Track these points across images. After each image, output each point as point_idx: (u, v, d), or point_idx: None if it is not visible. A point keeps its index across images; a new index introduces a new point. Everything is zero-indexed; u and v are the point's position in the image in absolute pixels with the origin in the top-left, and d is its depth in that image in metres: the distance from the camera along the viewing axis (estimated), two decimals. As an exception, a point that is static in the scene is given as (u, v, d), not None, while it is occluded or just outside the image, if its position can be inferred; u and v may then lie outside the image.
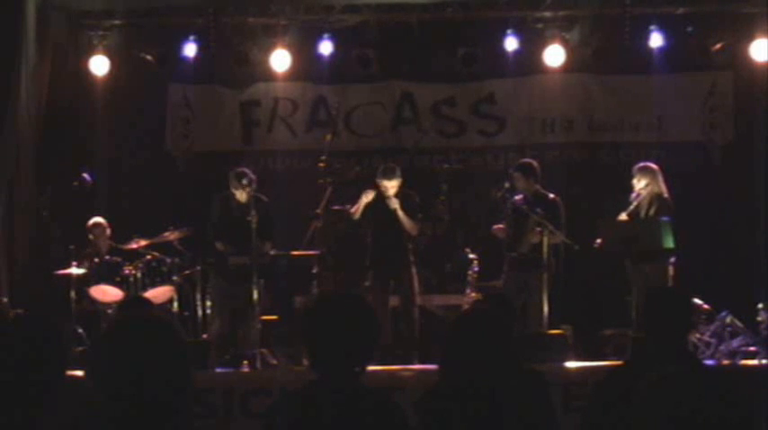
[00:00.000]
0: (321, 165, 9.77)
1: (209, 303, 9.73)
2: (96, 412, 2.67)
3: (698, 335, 8.88)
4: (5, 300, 9.53)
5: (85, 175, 10.09)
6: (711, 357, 8.80)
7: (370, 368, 3.32)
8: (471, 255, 9.94)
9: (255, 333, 9.12)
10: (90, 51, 11.29)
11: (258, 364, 8.78)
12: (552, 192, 9.52)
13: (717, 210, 10.89)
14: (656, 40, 11.03)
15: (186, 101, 11.79)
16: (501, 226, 9.52)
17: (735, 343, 8.87)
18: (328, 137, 10.14)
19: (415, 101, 11.73)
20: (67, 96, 11.23)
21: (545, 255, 9.03)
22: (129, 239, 10.01)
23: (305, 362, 7.56)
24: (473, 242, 10.25)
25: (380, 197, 9.41)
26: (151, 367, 2.63)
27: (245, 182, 9.25)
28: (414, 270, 9.42)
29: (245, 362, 8.81)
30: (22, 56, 10.15)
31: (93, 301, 9.76)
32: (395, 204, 9.33)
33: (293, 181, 11.26)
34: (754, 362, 8.56)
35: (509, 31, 11.18)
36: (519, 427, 3.57)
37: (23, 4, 10.18)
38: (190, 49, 11.32)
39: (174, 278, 9.86)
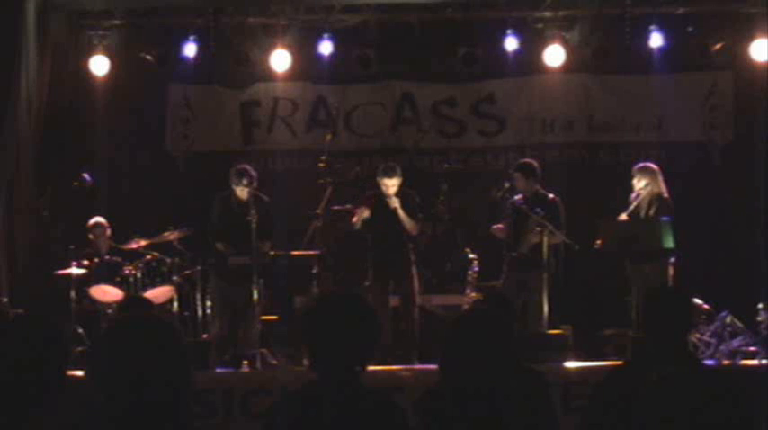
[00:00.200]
0: (321, 165, 9.78)
1: (209, 303, 9.72)
2: (96, 412, 2.67)
3: (698, 335, 8.89)
4: (5, 300, 9.53)
5: (85, 175, 10.08)
6: (711, 357, 8.80)
7: (370, 368, 3.32)
8: (471, 255, 9.94)
9: (255, 333, 9.13)
10: (90, 51, 11.29)
11: (258, 364, 8.79)
12: (552, 193, 9.52)
13: (716, 210, 10.89)
14: (656, 40, 11.03)
15: (186, 101, 11.79)
16: (501, 226, 9.52)
17: (735, 343, 8.88)
18: (328, 137, 10.15)
19: (415, 101, 11.73)
20: (67, 96, 11.23)
21: (545, 255, 9.03)
22: (129, 239, 10.01)
23: (305, 362, 7.56)
24: (473, 242, 10.25)
25: (381, 197, 9.41)
26: (151, 367, 2.63)
27: (245, 181, 9.24)
28: (414, 270, 9.42)
29: (245, 362, 8.81)
30: (22, 56, 10.15)
31: (93, 301, 9.76)
32: (395, 203, 9.32)
33: (293, 181, 11.26)
34: (754, 362, 8.57)
35: (509, 31, 11.18)
36: (519, 427, 3.57)
37: (23, 4, 10.18)
38: (190, 49, 11.32)
39: (174, 278, 9.86)
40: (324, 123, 11.49)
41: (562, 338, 8.92)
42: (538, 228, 9.12)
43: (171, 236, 9.93)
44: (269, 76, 11.56)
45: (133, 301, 7.47)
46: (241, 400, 7.94)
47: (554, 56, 11.15)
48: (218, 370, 8.77)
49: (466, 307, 9.40)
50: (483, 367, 3.48)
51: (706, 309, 9.13)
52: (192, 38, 11.30)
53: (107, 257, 10.03)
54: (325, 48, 11.29)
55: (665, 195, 9.35)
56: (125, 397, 2.61)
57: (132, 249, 9.99)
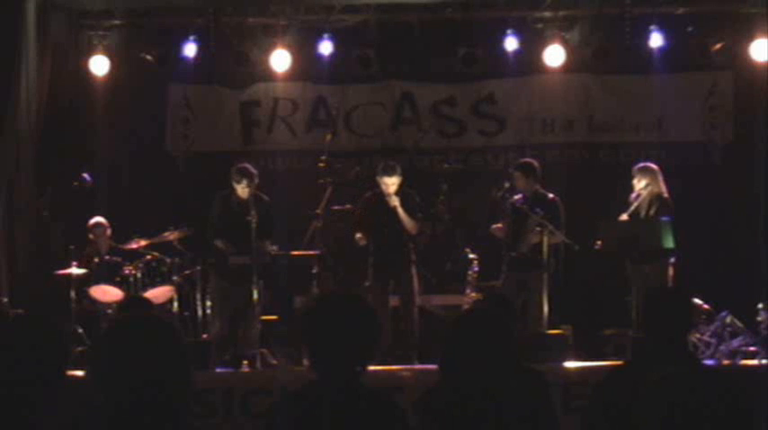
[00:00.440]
0: (321, 165, 9.78)
1: (209, 303, 9.72)
2: (96, 412, 2.67)
3: (698, 335, 8.89)
4: (5, 300, 9.53)
5: (85, 175, 10.08)
6: (711, 357, 8.80)
7: (370, 368, 3.32)
8: (471, 255, 9.94)
9: (255, 333, 9.13)
10: (90, 51, 11.29)
11: (258, 364, 8.79)
12: (552, 192, 9.52)
13: (717, 210, 10.89)
14: (656, 40, 11.03)
15: (186, 101, 11.79)
16: (500, 226, 9.52)
17: (735, 343, 8.88)
18: (328, 137, 10.16)
19: (415, 101, 11.73)
20: (67, 96, 11.24)
21: (545, 255, 9.04)
22: (129, 239, 10.01)
23: (305, 362, 7.57)
24: (473, 242, 10.24)
25: (380, 196, 9.41)
26: (151, 367, 2.63)
27: (246, 180, 9.24)
28: (414, 270, 9.42)
29: (245, 362, 8.82)
30: (22, 56, 10.15)
31: (93, 301, 9.76)
32: (395, 202, 9.32)
33: (293, 181, 11.26)
34: (754, 362, 8.57)
35: (509, 31, 11.18)
36: (519, 427, 3.57)
37: (23, 3, 10.18)
38: (190, 50, 11.32)
39: (174, 278, 9.86)
40: (324, 123, 11.50)
41: (562, 338, 8.92)
42: (538, 228, 9.12)
43: (171, 236, 9.93)
44: (269, 76, 11.56)
45: (133, 301, 7.47)
46: (241, 400, 7.94)
47: (554, 56, 11.15)
48: (218, 370, 8.77)
49: (466, 307, 9.40)
50: (483, 367, 3.48)
51: (706, 309, 9.13)
52: (191, 38, 11.30)
53: (107, 257, 10.03)
54: (325, 48, 11.29)
55: (665, 195, 9.35)
56: (125, 397, 2.61)
57: (132, 249, 10.00)
